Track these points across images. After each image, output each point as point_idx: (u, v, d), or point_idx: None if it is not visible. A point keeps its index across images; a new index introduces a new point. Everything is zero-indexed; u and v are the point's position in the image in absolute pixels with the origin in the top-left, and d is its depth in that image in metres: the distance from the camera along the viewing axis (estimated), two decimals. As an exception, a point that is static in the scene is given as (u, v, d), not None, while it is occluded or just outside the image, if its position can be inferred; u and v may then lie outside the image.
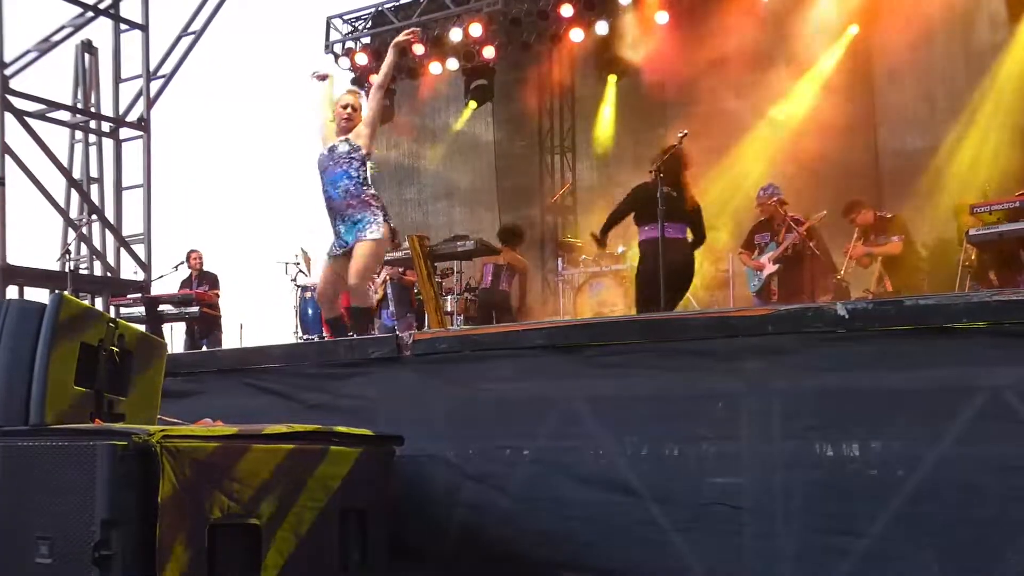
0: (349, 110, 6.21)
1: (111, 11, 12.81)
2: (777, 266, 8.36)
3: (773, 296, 8.44)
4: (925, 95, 10.96)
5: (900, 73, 11.13)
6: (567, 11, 12.28)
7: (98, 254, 12.54)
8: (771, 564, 3.62)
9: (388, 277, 10.07)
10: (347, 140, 6.14)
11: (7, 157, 11.20)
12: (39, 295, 10.74)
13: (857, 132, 11.33)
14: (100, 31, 12.98)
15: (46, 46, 12.29)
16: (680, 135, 8.41)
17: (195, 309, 10.45)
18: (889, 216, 8.97)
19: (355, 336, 5.90)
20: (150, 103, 12.96)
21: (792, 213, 8.94)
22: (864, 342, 3.54)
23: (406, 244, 9.81)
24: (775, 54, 11.87)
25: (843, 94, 11.34)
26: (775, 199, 8.89)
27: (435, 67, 13.63)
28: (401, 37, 6.50)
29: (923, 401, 3.42)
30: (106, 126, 13.02)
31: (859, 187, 10.93)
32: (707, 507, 3.74)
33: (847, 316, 3.55)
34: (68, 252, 10.91)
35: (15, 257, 11.20)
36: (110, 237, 12.68)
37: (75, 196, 12.67)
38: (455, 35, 12.97)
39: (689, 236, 7.27)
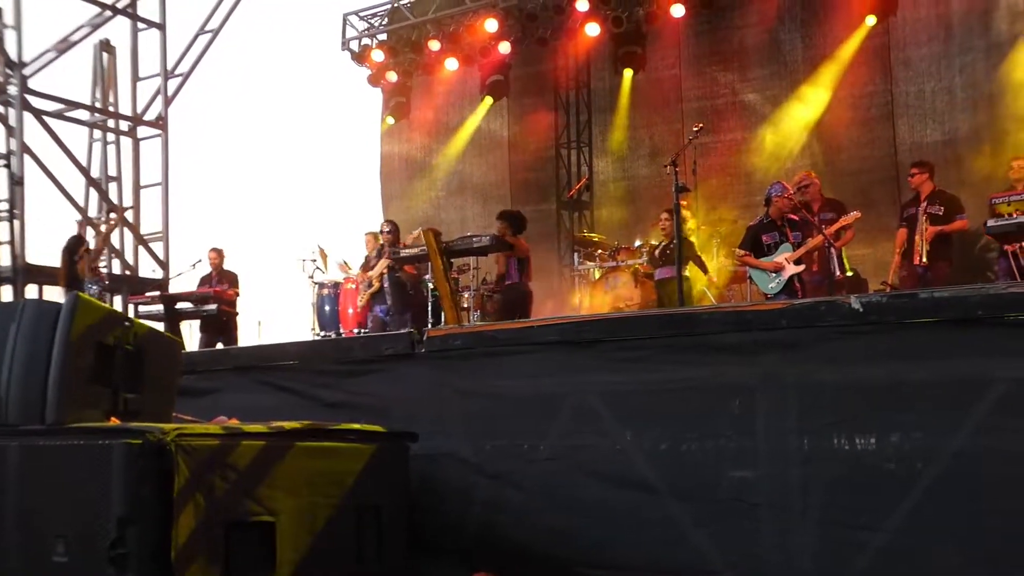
0: None
1: (129, 10, 12.84)
2: (801, 266, 7.96)
3: (798, 295, 8.07)
4: (944, 87, 10.86)
5: (918, 64, 11.04)
6: (582, 5, 12.25)
7: (116, 252, 12.59)
8: (790, 558, 3.60)
9: (385, 270, 9.93)
10: None
11: (26, 156, 11.25)
12: (59, 294, 10.79)
13: (875, 124, 11.26)
14: (118, 30, 13.01)
15: (64, 46, 12.32)
16: (696, 128, 8.38)
17: (213, 307, 10.47)
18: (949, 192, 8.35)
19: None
20: (168, 101, 12.99)
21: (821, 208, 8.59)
22: (880, 335, 3.52)
23: (413, 238, 9.79)
24: (791, 47, 11.81)
25: (860, 86, 11.26)
26: (804, 188, 8.52)
27: (451, 63, 13.62)
28: None
29: (941, 393, 3.39)
30: (124, 125, 13.05)
31: (877, 179, 10.88)
32: (725, 502, 3.72)
33: (861, 310, 3.52)
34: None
35: (34, 256, 11.26)
36: (128, 235, 12.73)
37: (94, 195, 12.73)
38: (470, 30, 12.97)
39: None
